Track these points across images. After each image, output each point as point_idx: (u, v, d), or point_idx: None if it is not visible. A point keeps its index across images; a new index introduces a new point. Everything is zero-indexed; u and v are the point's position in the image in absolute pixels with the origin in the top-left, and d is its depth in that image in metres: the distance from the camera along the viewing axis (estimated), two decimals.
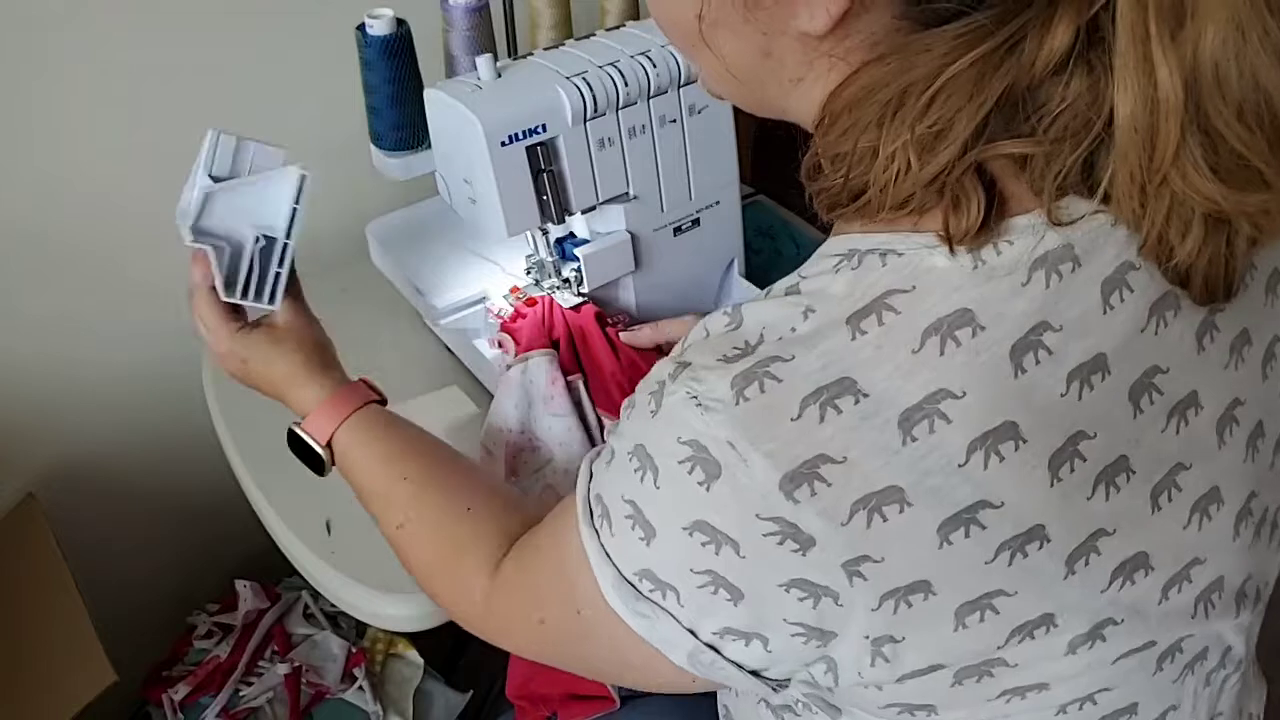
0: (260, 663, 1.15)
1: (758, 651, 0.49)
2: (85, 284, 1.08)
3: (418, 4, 0.91)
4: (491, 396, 0.87)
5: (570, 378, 0.84)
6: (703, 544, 0.46)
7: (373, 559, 0.78)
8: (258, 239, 0.72)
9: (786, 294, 0.48)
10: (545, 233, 0.88)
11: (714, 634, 0.49)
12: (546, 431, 0.83)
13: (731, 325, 0.48)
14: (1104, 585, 0.48)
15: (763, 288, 0.94)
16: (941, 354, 0.43)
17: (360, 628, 1.21)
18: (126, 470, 1.21)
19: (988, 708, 0.51)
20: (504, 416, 0.82)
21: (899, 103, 0.44)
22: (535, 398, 0.83)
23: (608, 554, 0.50)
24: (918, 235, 0.45)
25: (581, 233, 0.89)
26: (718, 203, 0.92)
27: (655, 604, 0.49)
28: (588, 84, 0.79)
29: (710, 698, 0.76)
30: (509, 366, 0.84)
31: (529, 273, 0.93)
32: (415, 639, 1.20)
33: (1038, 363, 0.44)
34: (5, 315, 1.04)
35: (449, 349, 0.99)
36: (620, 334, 0.88)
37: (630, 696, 0.86)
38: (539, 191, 0.81)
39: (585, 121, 0.80)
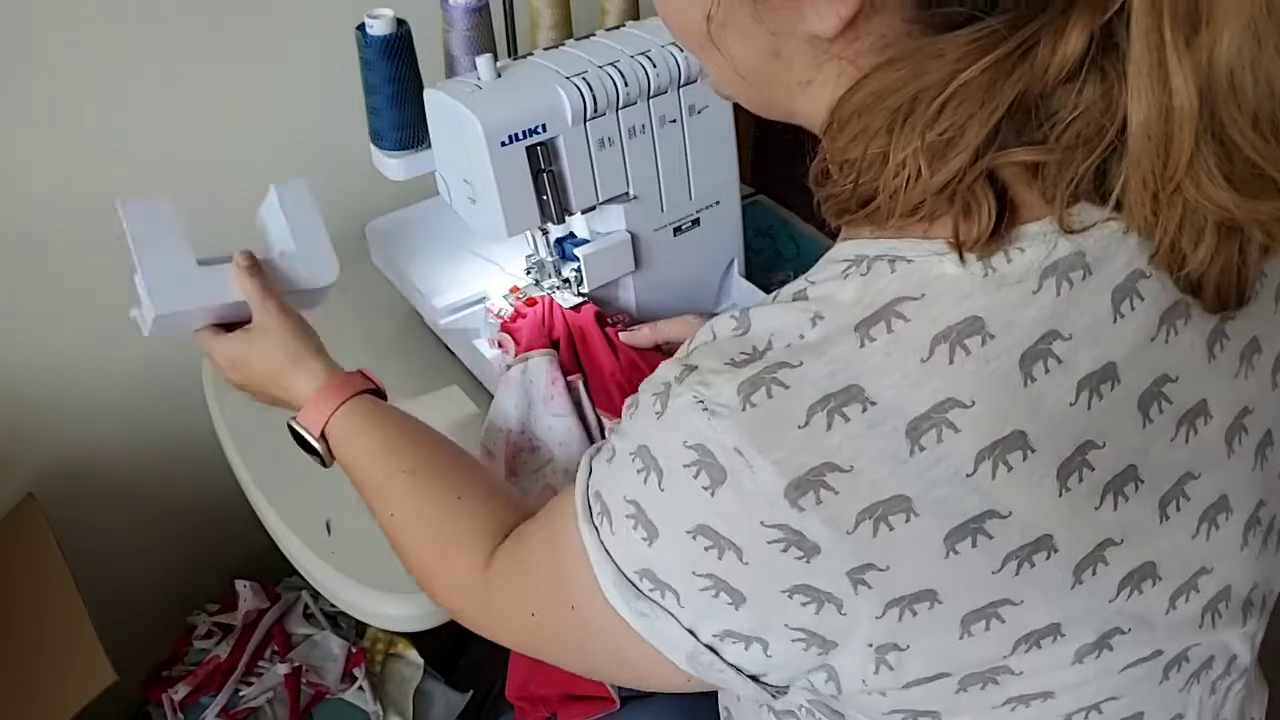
0: (260, 663, 1.15)
1: (757, 655, 0.49)
2: (85, 284, 1.07)
3: (418, 4, 0.91)
4: (491, 396, 0.87)
5: (570, 378, 0.84)
6: (705, 548, 0.46)
7: (373, 559, 0.78)
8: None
9: (794, 299, 0.48)
10: (545, 233, 0.88)
11: (714, 636, 0.49)
12: (546, 431, 0.82)
13: (739, 330, 0.48)
14: (1112, 595, 0.47)
15: (763, 287, 0.95)
16: (951, 363, 0.43)
17: (360, 628, 1.21)
18: (126, 470, 1.21)
19: (993, 715, 0.51)
20: (504, 416, 0.82)
21: (910, 109, 0.43)
22: (535, 398, 0.83)
23: (608, 551, 0.50)
24: (928, 242, 0.45)
25: (581, 233, 0.89)
26: (718, 203, 0.91)
27: (655, 603, 0.49)
28: (588, 84, 0.79)
29: (711, 699, 0.76)
30: (509, 366, 0.84)
31: (529, 273, 0.93)
32: (415, 639, 1.20)
33: (1047, 371, 0.44)
34: (5, 315, 1.04)
35: (449, 349, 0.99)
36: (620, 334, 0.88)
37: (630, 697, 0.85)
38: (539, 191, 0.80)
39: (585, 121, 0.80)
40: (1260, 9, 0.38)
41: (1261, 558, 0.53)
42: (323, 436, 0.71)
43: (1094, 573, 0.46)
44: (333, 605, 1.03)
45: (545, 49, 0.84)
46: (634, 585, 0.49)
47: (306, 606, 1.21)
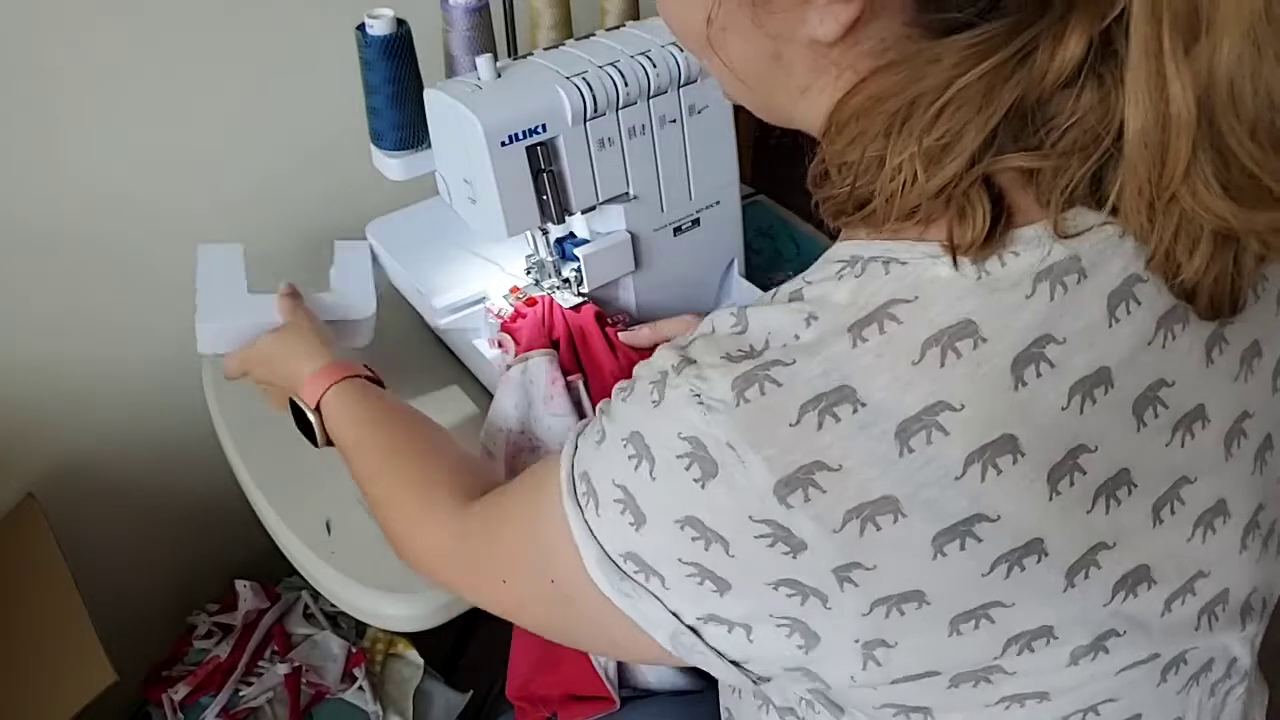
0: (260, 663, 1.15)
1: (739, 640, 0.49)
2: (85, 284, 1.07)
3: (418, 4, 0.91)
4: (491, 396, 0.87)
5: (570, 378, 0.84)
6: (693, 539, 0.46)
7: (373, 559, 0.79)
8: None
9: (790, 300, 0.48)
10: (545, 233, 0.88)
11: (698, 619, 0.49)
12: (546, 431, 0.82)
13: (738, 328, 0.48)
14: (1105, 598, 0.48)
15: (763, 288, 0.95)
16: (942, 365, 0.43)
17: (360, 628, 1.21)
18: (126, 470, 1.21)
19: (986, 713, 0.51)
20: (504, 416, 0.82)
21: (907, 113, 0.43)
22: (535, 398, 0.83)
23: (592, 532, 0.50)
24: (923, 245, 0.45)
25: (581, 233, 0.89)
26: (718, 203, 0.91)
27: (639, 585, 0.49)
28: (588, 84, 0.79)
29: (711, 699, 0.76)
30: (509, 366, 0.84)
31: (529, 273, 0.93)
32: (415, 639, 1.20)
33: (1039, 375, 0.44)
34: (6, 315, 1.04)
35: (449, 349, 0.99)
36: (620, 334, 0.88)
37: (631, 697, 0.86)
38: (539, 191, 0.80)
39: (585, 121, 0.80)
40: (1260, 17, 0.38)
41: (1261, 562, 0.53)
42: (318, 409, 0.75)
43: (1086, 576, 0.46)
44: (333, 605, 1.03)
45: (545, 49, 0.84)
46: (618, 567, 0.50)
47: (306, 606, 1.21)
